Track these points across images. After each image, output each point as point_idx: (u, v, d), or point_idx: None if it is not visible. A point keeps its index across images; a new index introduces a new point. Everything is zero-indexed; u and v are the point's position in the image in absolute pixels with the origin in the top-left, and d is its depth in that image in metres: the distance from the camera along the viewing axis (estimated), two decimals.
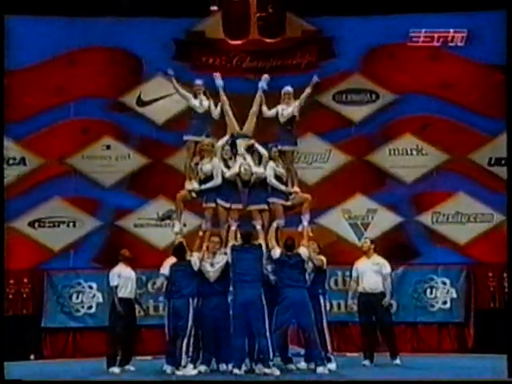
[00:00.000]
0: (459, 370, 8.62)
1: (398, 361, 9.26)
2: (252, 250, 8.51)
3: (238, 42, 12.17)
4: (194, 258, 8.57)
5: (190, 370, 8.25)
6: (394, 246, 11.16)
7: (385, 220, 11.87)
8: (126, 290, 9.12)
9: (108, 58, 11.99)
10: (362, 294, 9.39)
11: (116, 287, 9.08)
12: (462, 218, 11.85)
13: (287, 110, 9.24)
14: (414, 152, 11.99)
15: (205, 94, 9.32)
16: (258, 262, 8.46)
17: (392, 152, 12.03)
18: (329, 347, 8.77)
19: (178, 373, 8.23)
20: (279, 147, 9.21)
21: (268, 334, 8.22)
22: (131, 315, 9.21)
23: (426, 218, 11.91)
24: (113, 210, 11.91)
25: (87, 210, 11.81)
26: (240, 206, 9.05)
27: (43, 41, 11.79)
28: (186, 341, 8.28)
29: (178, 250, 8.74)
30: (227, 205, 8.98)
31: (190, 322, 8.32)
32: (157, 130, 12.06)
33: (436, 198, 11.92)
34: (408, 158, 11.97)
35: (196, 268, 8.53)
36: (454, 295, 11.55)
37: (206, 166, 9.01)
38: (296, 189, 9.20)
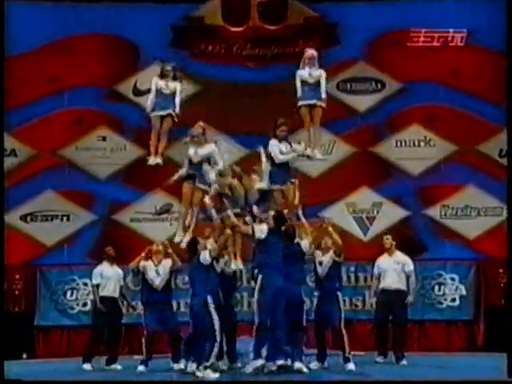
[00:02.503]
0: (468, 369, 8.49)
1: (404, 362, 9.15)
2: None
3: (238, 29, 11.91)
4: (205, 253, 8.12)
5: (211, 373, 7.74)
6: (400, 241, 10.71)
7: (391, 214, 11.70)
8: (109, 289, 9.20)
9: (103, 45, 11.77)
10: (383, 292, 9.42)
11: (98, 286, 9.20)
12: (472, 212, 11.66)
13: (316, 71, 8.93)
14: (422, 143, 11.81)
15: (174, 77, 9.03)
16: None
17: (398, 143, 11.84)
18: (346, 347, 8.50)
19: (199, 374, 7.76)
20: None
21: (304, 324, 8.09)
22: (114, 314, 9.23)
23: (433, 212, 11.71)
24: (108, 203, 11.71)
25: (81, 204, 11.64)
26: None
27: (36, 27, 11.58)
28: (217, 342, 7.80)
29: (191, 246, 8.32)
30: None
31: (216, 322, 7.84)
32: None
33: (444, 190, 11.73)
34: (415, 149, 11.78)
35: (206, 263, 8.09)
36: (463, 292, 11.40)
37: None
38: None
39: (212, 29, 11.84)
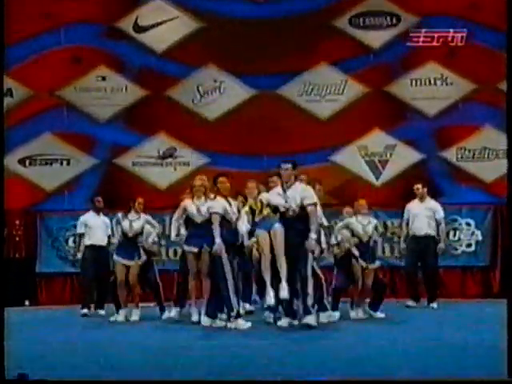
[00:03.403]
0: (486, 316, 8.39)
1: (434, 305, 9.61)
2: None
3: None
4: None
5: (243, 323, 7.46)
6: (414, 185, 10.52)
7: (405, 157, 11.46)
8: (94, 238, 9.39)
9: None
10: (413, 238, 9.85)
11: (82, 235, 9.50)
12: (490, 154, 11.37)
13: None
14: (438, 82, 11.44)
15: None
16: None
17: (414, 82, 11.48)
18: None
19: (230, 325, 7.47)
20: None
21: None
22: (102, 262, 9.39)
23: (449, 154, 11.44)
24: (109, 146, 11.51)
25: (81, 147, 11.44)
26: None
27: None
28: (231, 288, 7.47)
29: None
30: None
31: (228, 271, 7.51)
32: (156, 58, 11.52)
33: (461, 132, 11.43)
34: (431, 88, 11.43)
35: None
36: (480, 237, 11.19)
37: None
38: None
39: None
